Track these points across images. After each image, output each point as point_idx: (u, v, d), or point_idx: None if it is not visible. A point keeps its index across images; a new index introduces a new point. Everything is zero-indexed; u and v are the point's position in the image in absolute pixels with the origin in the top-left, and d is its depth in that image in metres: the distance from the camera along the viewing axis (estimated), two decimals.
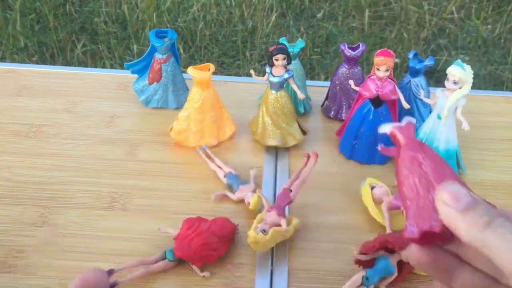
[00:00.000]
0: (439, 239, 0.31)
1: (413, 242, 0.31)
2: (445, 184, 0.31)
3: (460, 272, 0.32)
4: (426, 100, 0.73)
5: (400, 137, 0.34)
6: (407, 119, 0.35)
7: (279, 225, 0.60)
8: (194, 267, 0.59)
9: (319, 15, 2.07)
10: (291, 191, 0.64)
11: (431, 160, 0.33)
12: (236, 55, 1.88)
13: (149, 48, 0.82)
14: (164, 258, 0.59)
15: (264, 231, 0.59)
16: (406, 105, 0.72)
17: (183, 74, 0.85)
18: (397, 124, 0.35)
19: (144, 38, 1.90)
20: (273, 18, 2.00)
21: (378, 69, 0.71)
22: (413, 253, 0.32)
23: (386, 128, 0.35)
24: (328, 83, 0.85)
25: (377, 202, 0.67)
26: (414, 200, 0.32)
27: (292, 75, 0.73)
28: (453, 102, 0.68)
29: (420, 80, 0.78)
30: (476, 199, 0.30)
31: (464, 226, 0.28)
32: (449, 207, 0.29)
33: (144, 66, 0.84)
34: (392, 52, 0.71)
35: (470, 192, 0.30)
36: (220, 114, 0.77)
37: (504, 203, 0.70)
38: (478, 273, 0.32)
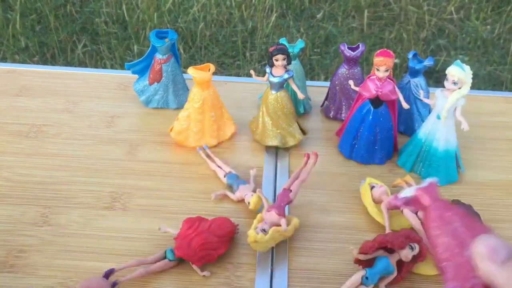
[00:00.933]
0: None
1: None
2: (481, 238, 0.30)
3: None
4: (425, 100, 0.74)
5: (425, 198, 0.35)
6: (429, 181, 0.36)
7: (279, 225, 0.61)
8: (194, 266, 0.59)
9: (319, 16, 2.07)
10: (290, 191, 0.64)
11: (461, 217, 0.33)
12: (236, 55, 1.88)
13: (150, 48, 0.82)
14: (164, 257, 0.59)
15: (264, 231, 0.59)
16: (405, 105, 0.72)
17: (184, 74, 0.85)
18: (420, 186, 0.35)
19: (144, 39, 1.90)
20: (273, 18, 2.00)
21: (377, 70, 0.71)
22: None
23: (409, 192, 0.36)
24: (328, 83, 0.85)
25: (377, 202, 0.67)
26: (450, 259, 0.31)
27: (292, 75, 0.73)
28: (453, 102, 0.68)
29: (420, 80, 0.78)
30: None
31: (504, 281, 0.28)
32: (488, 260, 0.28)
33: (145, 67, 0.84)
34: (391, 53, 0.71)
35: (507, 243, 0.30)
36: (220, 114, 0.77)
37: (503, 203, 0.71)
38: None
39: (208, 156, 0.75)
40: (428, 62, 0.77)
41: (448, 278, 0.31)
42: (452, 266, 0.31)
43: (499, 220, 0.68)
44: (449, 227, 0.32)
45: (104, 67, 1.80)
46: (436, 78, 1.72)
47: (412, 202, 0.36)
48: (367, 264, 0.58)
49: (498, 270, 0.28)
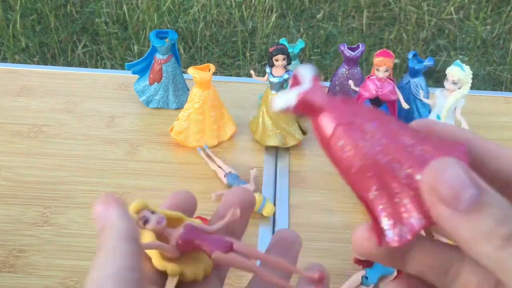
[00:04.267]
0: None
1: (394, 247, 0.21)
2: (435, 166, 0.20)
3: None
4: (425, 100, 0.74)
5: (319, 105, 0.22)
6: (306, 70, 0.23)
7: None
8: None
9: (318, 16, 2.07)
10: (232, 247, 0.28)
11: (375, 122, 0.22)
12: (236, 55, 1.88)
13: (150, 48, 0.82)
14: None
15: (146, 222, 0.27)
16: (405, 106, 0.72)
17: (184, 75, 0.85)
18: (300, 88, 0.23)
19: (144, 39, 1.90)
20: (273, 18, 2.01)
21: (377, 70, 0.71)
22: None
23: (286, 100, 0.22)
24: (327, 84, 0.85)
25: None
26: (379, 189, 0.21)
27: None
28: (453, 102, 0.68)
29: (420, 81, 0.78)
30: (486, 189, 0.19)
31: (469, 236, 0.19)
32: (445, 205, 0.19)
33: (145, 67, 0.84)
34: (391, 53, 0.71)
35: (473, 174, 0.19)
36: (220, 114, 0.78)
37: None
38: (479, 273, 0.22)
39: (208, 156, 0.75)
40: (428, 62, 0.77)
41: (381, 212, 0.21)
42: (385, 196, 0.21)
43: None
44: (366, 142, 0.21)
45: (105, 67, 1.80)
46: (436, 78, 1.72)
47: (294, 111, 0.23)
48: (367, 264, 0.58)
49: (460, 219, 0.19)
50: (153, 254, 0.26)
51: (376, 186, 0.21)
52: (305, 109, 0.22)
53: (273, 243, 0.28)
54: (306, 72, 0.23)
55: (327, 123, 0.22)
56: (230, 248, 0.26)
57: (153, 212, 0.27)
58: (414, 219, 0.20)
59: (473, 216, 0.18)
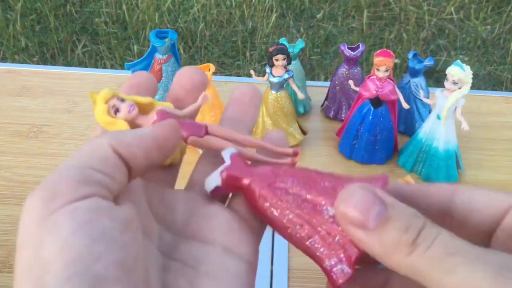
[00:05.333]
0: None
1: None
2: (341, 194, 0.21)
3: None
4: (425, 100, 0.74)
5: (238, 177, 0.24)
6: (226, 152, 0.25)
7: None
8: None
9: (319, 16, 2.07)
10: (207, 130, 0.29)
11: (294, 177, 0.23)
12: (236, 55, 1.88)
13: (150, 48, 0.82)
14: None
15: (117, 111, 0.27)
16: (405, 105, 0.72)
17: None
18: (222, 166, 0.25)
19: (144, 39, 1.90)
20: (273, 18, 2.00)
21: (377, 70, 0.71)
22: None
23: (213, 180, 0.25)
24: (328, 84, 0.85)
25: None
26: (312, 234, 0.22)
27: (292, 76, 0.73)
28: (453, 102, 0.68)
29: (420, 80, 0.78)
30: (392, 203, 0.20)
31: (382, 251, 0.20)
32: (356, 227, 0.20)
33: (145, 67, 0.84)
34: (391, 53, 0.71)
35: (380, 193, 0.21)
36: (220, 114, 0.77)
37: None
38: None
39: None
40: (428, 62, 0.77)
41: (321, 256, 0.22)
42: (319, 240, 0.22)
43: None
44: (289, 197, 0.23)
45: (104, 67, 1.80)
46: (436, 78, 1.72)
47: (223, 189, 0.25)
48: None
49: (373, 237, 0.20)
50: None
51: (309, 233, 0.23)
52: (232, 184, 0.24)
53: (234, 98, 0.30)
54: (226, 153, 0.25)
55: (252, 189, 0.24)
56: (205, 132, 0.27)
57: (122, 100, 0.26)
58: (348, 252, 0.22)
59: (381, 231, 0.20)
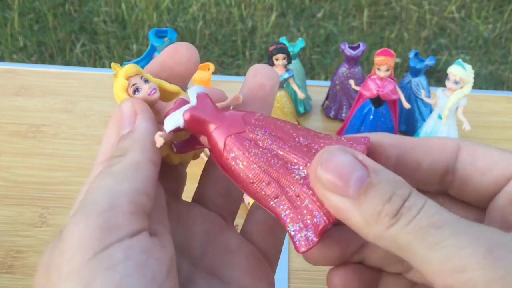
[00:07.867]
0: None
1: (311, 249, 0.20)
2: (319, 155, 0.19)
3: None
4: (426, 100, 0.73)
5: (205, 119, 0.22)
6: (192, 90, 0.23)
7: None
8: None
9: (319, 15, 2.07)
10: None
11: (267, 128, 0.21)
12: (236, 54, 1.88)
13: (149, 47, 0.81)
14: None
15: (137, 91, 0.25)
16: (406, 105, 0.71)
17: None
18: (187, 106, 0.22)
19: (143, 38, 1.89)
20: (273, 17, 2.00)
21: (378, 69, 0.70)
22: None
23: (174, 120, 0.22)
24: (328, 83, 0.85)
25: None
26: (279, 194, 0.20)
27: (292, 75, 0.73)
28: (454, 102, 0.67)
29: (421, 80, 0.77)
30: (372, 167, 0.18)
31: (361, 222, 0.18)
32: (333, 193, 0.18)
33: (144, 66, 0.84)
34: (392, 52, 0.71)
35: (362, 157, 0.18)
36: None
37: None
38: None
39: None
40: (429, 62, 0.76)
41: (285, 219, 0.20)
42: (285, 202, 0.20)
43: None
44: (258, 149, 0.20)
45: (103, 66, 1.80)
46: (437, 77, 1.71)
47: (187, 127, 0.22)
48: None
49: (351, 206, 0.18)
50: None
51: (275, 192, 0.20)
52: (195, 126, 0.22)
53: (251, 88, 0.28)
54: (192, 92, 0.22)
55: (218, 136, 0.21)
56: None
57: (146, 81, 0.24)
58: (316, 218, 0.19)
59: (362, 200, 0.17)
